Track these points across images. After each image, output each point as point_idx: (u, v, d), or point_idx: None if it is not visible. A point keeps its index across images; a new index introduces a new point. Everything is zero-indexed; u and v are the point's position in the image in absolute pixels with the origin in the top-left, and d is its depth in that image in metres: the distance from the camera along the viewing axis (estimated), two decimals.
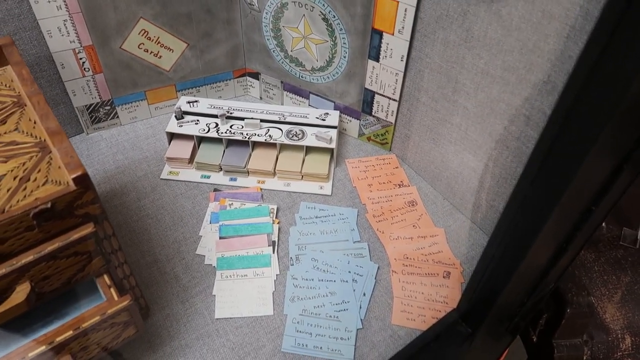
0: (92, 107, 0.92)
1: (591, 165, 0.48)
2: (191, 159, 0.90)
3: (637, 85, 0.40)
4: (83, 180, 0.49)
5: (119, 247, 0.58)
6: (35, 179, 0.50)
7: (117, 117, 0.96)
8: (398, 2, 0.74)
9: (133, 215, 0.82)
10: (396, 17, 0.76)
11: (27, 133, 0.55)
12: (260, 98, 1.05)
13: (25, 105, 0.58)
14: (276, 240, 0.79)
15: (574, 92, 0.42)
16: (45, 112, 0.55)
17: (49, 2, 0.77)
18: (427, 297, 0.73)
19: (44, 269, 0.51)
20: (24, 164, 0.52)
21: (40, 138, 0.54)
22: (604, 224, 1.01)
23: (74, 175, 0.49)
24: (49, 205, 0.48)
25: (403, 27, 0.77)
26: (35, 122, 0.56)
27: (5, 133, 0.55)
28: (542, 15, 0.59)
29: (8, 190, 0.49)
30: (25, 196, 0.49)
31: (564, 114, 0.44)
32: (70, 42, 0.83)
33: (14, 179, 0.50)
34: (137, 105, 0.97)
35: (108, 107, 0.94)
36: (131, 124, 0.98)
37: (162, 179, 0.89)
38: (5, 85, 0.61)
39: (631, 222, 1.06)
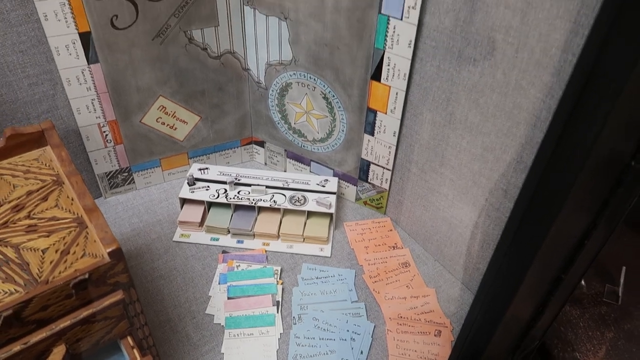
0: (112, 173, 1.01)
1: (556, 236, 0.56)
2: (201, 223, 0.97)
3: (583, 176, 0.49)
4: (116, 254, 0.57)
5: (141, 311, 0.65)
6: (74, 252, 0.58)
7: (134, 182, 1.04)
8: (390, 86, 0.84)
9: (147, 276, 0.89)
10: (388, 99, 0.86)
11: (66, 209, 0.63)
12: (265, 164, 1.14)
13: (64, 184, 0.66)
14: (280, 300, 0.86)
15: (540, 171, 0.51)
16: (82, 191, 0.63)
17: (80, 84, 0.87)
18: (420, 355, 0.79)
19: (78, 332, 0.57)
20: (64, 238, 0.59)
21: (77, 214, 0.62)
22: (583, 282, 1.07)
23: (109, 249, 0.56)
24: (86, 276, 0.55)
25: (395, 108, 0.86)
26: (72, 200, 0.64)
27: (47, 209, 0.63)
28: (514, 106, 0.69)
29: (51, 263, 0.56)
30: (66, 268, 0.56)
31: (533, 189, 0.52)
32: (96, 117, 0.92)
33: (56, 252, 0.58)
34: (152, 172, 1.05)
35: (126, 174, 1.02)
36: (146, 188, 1.06)
37: (174, 241, 0.96)
38: (46, 164, 0.69)
39: (613, 279, 1.13)
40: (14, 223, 0.61)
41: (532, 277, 0.60)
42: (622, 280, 1.12)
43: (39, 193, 0.64)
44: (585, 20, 0.55)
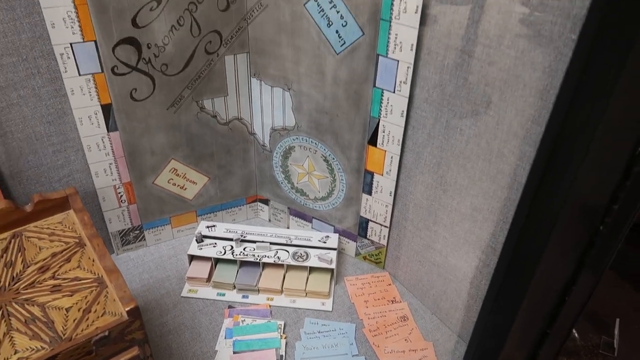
0: (124, 231, 1.06)
1: (537, 289, 0.61)
2: (209, 278, 1.02)
3: (556, 232, 0.54)
4: (134, 312, 0.62)
5: None
6: (96, 310, 0.63)
7: (144, 239, 1.10)
8: (385, 151, 0.92)
9: (157, 331, 0.93)
10: (384, 162, 0.93)
11: (87, 270, 0.68)
12: (269, 220, 1.20)
13: (85, 245, 0.72)
14: (284, 355, 0.89)
15: (518, 229, 0.57)
16: (102, 253, 0.69)
17: (99, 150, 0.95)
18: None
19: None
20: (86, 297, 0.64)
21: (98, 274, 0.68)
22: (576, 334, 1.10)
23: (127, 308, 0.61)
24: (107, 333, 0.60)
25: (390, 170, 0.93)
26: (94, 261, 0.69)
27: (70, 270, 0.68)
28: (497, 172, 0.75)
29: (74, 321, 0.61)
30: (87, 325, 0.61)
31: (513, 245, 0.58)
32: (112, 180, 0.99)
33: (79, 310, 0.63)
34: (162, 229, 1.11)
35: (137, 232, 1.08)
36: (156, 245, 1.12)
37: (182, 296, 1.00)
38: (69, 227, 0.75)
39: (609, 331, 1.16)
40: (40, 283, 0.66)
41: (518, 330, 0.65)
42: (617, 332, 1.15)
43: (62, 255, 0.70)
44: (551, 97, 0.63)
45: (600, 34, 0.45)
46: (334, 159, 1.00)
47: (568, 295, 0.63)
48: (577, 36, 0.53)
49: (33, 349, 0.58)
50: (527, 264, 0.56)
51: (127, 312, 0.61)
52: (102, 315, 0.62)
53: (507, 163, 0.73)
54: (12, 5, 0.76)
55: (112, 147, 0.95)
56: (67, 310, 0.62)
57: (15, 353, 0.57)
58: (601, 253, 0.59)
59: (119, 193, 1.01)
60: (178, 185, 1.07)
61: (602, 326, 1.20)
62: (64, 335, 0.60)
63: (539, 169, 0.53)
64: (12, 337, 0.59)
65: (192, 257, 1.05)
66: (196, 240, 1.05)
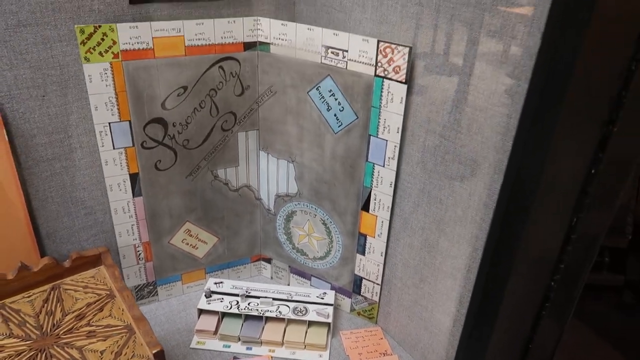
0: (139, 287, 1.17)
1: (495, 349, 0.72)
2: (216, 331, 1.11)
3: (513, 284, 0.66)
4: (160, 355, 0.72)
5: None
6: (126, 353, 0.73)
7: (157, 294, 1.20)
8: (377, 216, 1.04)
9: None
10: (376, 226, 1.06)
11: (118, 318, 0.79)
12: (271, 278, 1.31)
13: (115, 297, 0.83)
14: None
15: (482, 283, 0.68)
16: (131, 303, 0.79)
17: (124, 212, 1.07)
18: None
19: None
20: (117, 341, 0.75)
21: (127, 322, 0.78)
22: None
23: (154, 351, 0.71)
24: None
25: (381, 233, 1.06)
26: (123, 310, 0.80)
27: (103, 318, 0.78)
28: (471, 236, 0.88)
29: None
30: None
31: (479, 299, 0.69)
32: (133, 239, 1.11)
33: (111, 353, 0.73)
34: (174, 285, 1.21)
35: (151, 287, 1.18)
36: (167, 299, 1.22)
37: (191, 348, 1.09)
38: (100, 281, 0.86)
39: None
40: (77, 329, 0.76)
41: None
42: None
43: (96, 305, 0.81)
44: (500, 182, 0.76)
45: (536, 121, 0.59)
46: (331, 222, 1.12)
47: (531, 344, 0.74)
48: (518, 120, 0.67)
49: None
50: (490, 314, 0.67)
51: (154, 354, 0.71)
52: (131, 358, 0.72)
53: (480, 229, 0.86)
54: (65, 93, 0.91)
55: (135, 210, 1.08)
56: (102, 352, 0.72)
57: None
58: (556, 306, 0.71)
59: (138, 251, 1.13)
60: (190, 245, 1.18)
61: None
62: None
63: (496, 231, 0.66)
64: None
65: (200, 311, 1.14)
66: (205, 295, 1.15)
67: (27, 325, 0.76)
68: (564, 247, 0.68)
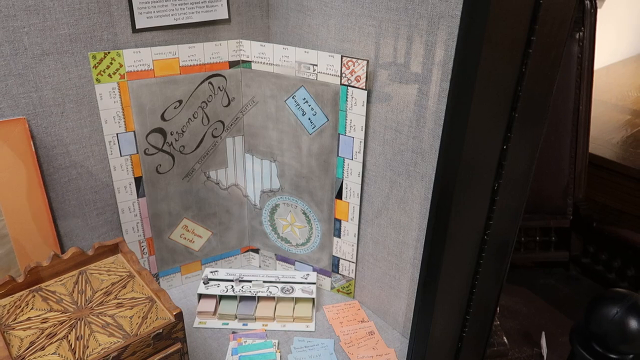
0: None
1: (443, 304, 0.91)
2: (215, 312, 1.28)
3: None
4: (179, 316, 0.88)
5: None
6: (150, 317, 0.89)
7: (159, 285, 1.35)
8: (349, 202, 1.23)
9: None
10: (348, 211, 1.25)
11: (140, 292, 0.95)
12: (259, 266, 1.48)
13: (135, 277, 0.99)
14: None
15: (429, 244, 0.88)
16: (150, 280, 0.96)
17: (130, 212, 1.23)
18: None
19: None
20: (142, 309, 0.91)
21: (148, 295, 0.94)
22: (506, 340, 1.39)
23: (174, 313, 0.88)
24: (161, 330, 0.86)
25: (353, 217, 1.25)
26: (143, 286, 0.96)
27: (127, 293, 0.94)
28: (427, 211, 1.07)
29: (137, 324, 0.87)
30: (146, 327, 0.87)
31: (427, 256, 0.89)
32: (138, 236, 1.26)
33: (139, 317, 0.89)
34: (174, 276, 1.37)
35: (154, 279, 1.34)
36: (168, 290, 1.37)
37: (194, 327, 1.25)
38: (120, 265, 1.02)
39: (539, 344, 1.45)
40: (107, 302, 0.92)
41: (437, 333, 0.94)
42: (543, 343, 1.45)
43: (119, 283, 0.97)
44: None
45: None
46: (310, 211, 1.31)
47: (471, 302, 0.94)
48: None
49: (112, 342, 0.83)
50: (435, 275, 0.87)
51: (174, 315, 0.87)
52: (155, 320, 0.88)
53: (428, 204, 1.05)
54: (80, 109, 1.07)
55: (139, 209, 1.24)
56: (131, 317, 0.88)
57: (99, 345, 0.83)
58: (489, 268, 0.91)
59: (142, 246, 1.28)
60: (188, 239, 1.35)
61: (534, 342, 1.49)
62: (131, 333, 0.85)
63: (434, 205, 0.86)
64: (95, 336, 0.84)
65: (200, 296, 1.30)
66: (203, 282, 1.31)
67: (64, 301, 0.91)
68: (489, 215, 0.88)
